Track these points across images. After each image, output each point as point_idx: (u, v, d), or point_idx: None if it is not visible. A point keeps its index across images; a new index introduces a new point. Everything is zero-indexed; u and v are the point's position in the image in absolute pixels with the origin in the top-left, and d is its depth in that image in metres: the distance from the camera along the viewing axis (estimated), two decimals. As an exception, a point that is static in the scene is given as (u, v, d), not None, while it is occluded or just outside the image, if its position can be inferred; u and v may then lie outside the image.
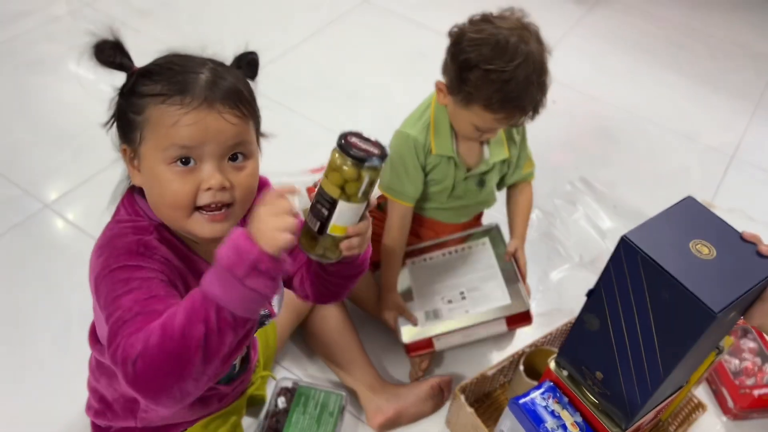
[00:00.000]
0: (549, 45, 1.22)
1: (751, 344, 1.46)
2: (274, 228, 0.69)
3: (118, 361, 0.71)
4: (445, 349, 1.42)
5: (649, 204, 1.86)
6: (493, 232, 1.47)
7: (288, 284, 1.03)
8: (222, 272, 0.69)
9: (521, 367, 1.28)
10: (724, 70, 2.48)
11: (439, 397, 1.35)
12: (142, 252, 0.81)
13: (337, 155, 0.74)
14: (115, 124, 0.88)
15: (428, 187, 1.38)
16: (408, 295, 1.43)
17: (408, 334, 1.37)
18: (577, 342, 1.00)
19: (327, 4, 2.52)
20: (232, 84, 0.83)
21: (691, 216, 0.87)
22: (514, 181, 1.47)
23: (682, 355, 0.82)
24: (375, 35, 2.38)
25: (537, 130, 2.13)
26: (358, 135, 0.76)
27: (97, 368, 1.01)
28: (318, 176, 1.66)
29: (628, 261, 0.83)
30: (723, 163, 2.07)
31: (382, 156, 0.74)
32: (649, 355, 0.86)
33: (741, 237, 0.85)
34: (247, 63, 0.94)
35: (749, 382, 1.38)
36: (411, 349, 1.38)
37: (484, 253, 1.46)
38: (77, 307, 1.43)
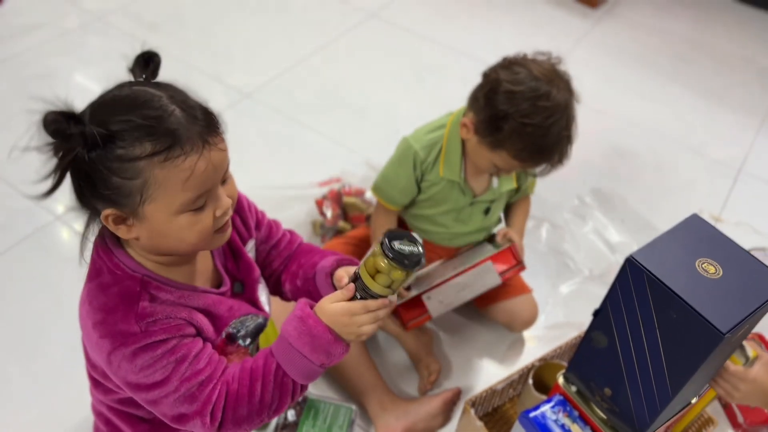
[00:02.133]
0: (577, 93, 1.24)
1: (759, 359, 1.46)
2: (360, 328, 0.84)
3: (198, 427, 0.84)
4: (441, 313, 1.37)
5: (657, 218, 1.88)
6: (491, 238, 1.49)
7: (275, 290, 1.08)
8: (301, 358, 0.84)
9: (530, 381, 1.29)
10: (730, 83, 2.48)
11: (449, 412, 1.35)
12: (145, 330, 0.83)
13: (383, 262, 0.80)
14: (78, 188, 0.81)
15: (431, 208, 1.38)
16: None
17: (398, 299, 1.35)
18: (585, 358, 1.01)
19: (335, 18, 2.54)
20: (202, 107, 0.81)
21: (696, 234, 0.87)
22: (515, 200, 1.50)
23: (690, 374, 0.83)
24: (383, 49, 2.40)
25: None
26: (396, 236, 0.81)
27: (94, 388, 1.01)
28: (325, 189, 1.67)
29: (635, 281, 0.84)
30: (730, 176, 2.08)
31: (421, 252, 0.82)
32: (657, 374, 0.87)
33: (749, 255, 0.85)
34: (155, 67, 0.87)
35: (757, 397, 1.38)
36: (405, 317, 1.35)
37: (481, 246, 1.47)
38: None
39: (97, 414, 1.05)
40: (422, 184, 1.34)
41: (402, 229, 0.98)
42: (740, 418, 1.36)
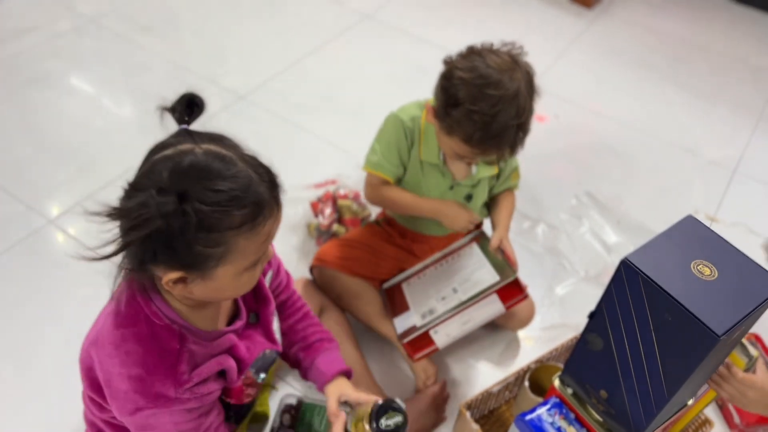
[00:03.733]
0: (539, 88, 1.24)
1: (755, 360, 1.46)
2: None
3: None
4: (447, 344, 1.38)
5: (652, 218, 1.88)
6: (478, 235, 1.49)
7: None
8: None
9: (526, 383, 1.28)
10: (724, 83, 2.49)
11: (440, 406, 1.35)
12: (179, 397, 0.85)
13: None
14: (148, 254, 0.77)
15: (416, 192, 1.40)
16: (403, 305, 1.43)
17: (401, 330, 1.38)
18: (581, 361, 1.00)
19: (330, 19, 2.53)
20: (263, 164, 0.82)
21: (691, 236, 0.87)
22: (498, 192, 1.49)
23: (686, 377, 0.82)
24: (377, 51, 2.39)
25: (539, 144, 2.13)
26: (382, 410, 0.99)
27: (91, 403, 1.00)
28: (321, 192, 1.66)
29: (630, 283, 0.83)
30: (725, 177, 2.08)
31: (404, 421, 0.99)
32: (653, 376, 0.86)
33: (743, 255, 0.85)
34: (198, 111, 0.88)
35: (753, 398, 1.38)
36: (411, 350, 1.36)
37: (473, 253, 1.46)
38: (78, 324, 1.44)
39: (90, 424, 1.05)
40: (410, 154, 1.36)
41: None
42: (736, 419, 1.36)
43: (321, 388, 1.11)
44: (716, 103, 2.38)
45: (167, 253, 0.76)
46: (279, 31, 2.45)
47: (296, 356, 1.14)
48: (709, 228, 0.89)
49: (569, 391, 1.06)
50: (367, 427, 0.98)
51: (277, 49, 2.35)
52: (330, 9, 2.58)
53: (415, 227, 1.49)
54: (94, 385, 0.92)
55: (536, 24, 2.68)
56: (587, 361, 0.98)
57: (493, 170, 1.41)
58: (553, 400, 1.07)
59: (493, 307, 1.34)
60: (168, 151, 0.77)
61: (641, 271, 0.81)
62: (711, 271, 0.82)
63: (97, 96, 2.07)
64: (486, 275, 1.38)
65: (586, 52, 2.56)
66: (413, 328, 1.36)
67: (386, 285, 1.50)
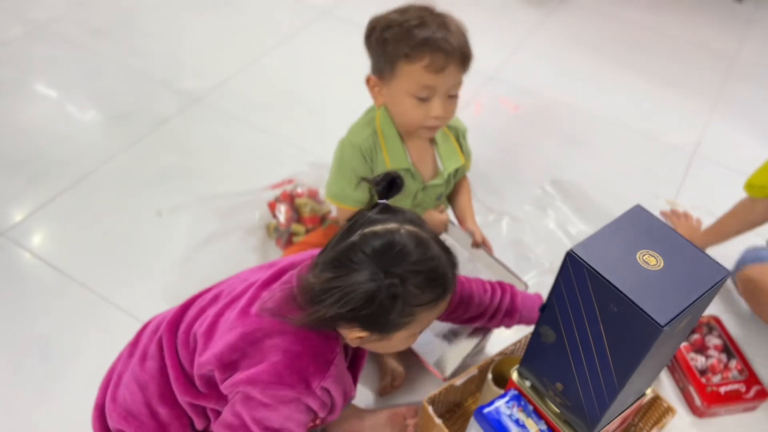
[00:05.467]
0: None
1: (716, 341, 1.48)
2: None
3: None
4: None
5: (614, 205, 1.88)
6: (448, 226, 1.48)
7: None
8: None
9: (489, 376, 1.28)
10: (683, 68, 2.51)
11: (398, 426, 1.30)
12: (313, 391, 0.92)
13: None
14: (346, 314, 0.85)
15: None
16: None
17: (450, 366, 1.35)
18: (536, 354, 1.00)
19: (287, 16, 2.51)
20: (452, 254, 0.92)
21: (639, 226, 0.87)
22: (456, 180, 1.49)
23: (634, 367, 0.82)
24: (337, 47, 2.37)
25: (501, 135, 2.14)
26: None
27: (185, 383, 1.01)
28: (278, 191, 1.64)
29: (576, 275, 0.83)
30: (684, 161, 2.09)
31: None
32: (604, 368, 0.86)
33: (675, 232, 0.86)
34: (397, 190, 0.95)
35: (715, 379, 1.40)
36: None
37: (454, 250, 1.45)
38: (34, 338, 1.41)
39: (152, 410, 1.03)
40: (376, 171, 1.33)
41: None
42: (697, 401, 1.37)
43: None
44: (675, 88, 2.40)
45: (365, 318, 0.85)
46: (235, 30, 2.42)
47: (500, 324, 1.27)
48: (656, 217, 0.89)
49: (527, 383, 1.06)
50: None
51: (234, 49, 2.32)
52: (287, 6, 2.56)
53: None
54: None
55: (495, 15, 2.68)
56: (542, 353, 0.98)
57: (459, 159, 1.40)
58: (512, 392, 1.07)
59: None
60: (377, 228, 0.85)
61: (586, 263, 0.81)
62: (657, 261, 0.82)
63: (50, 104, 2.02)
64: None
65: (545, 41, 2.56)
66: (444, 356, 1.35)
67: None
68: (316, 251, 0.95)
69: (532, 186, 1.94)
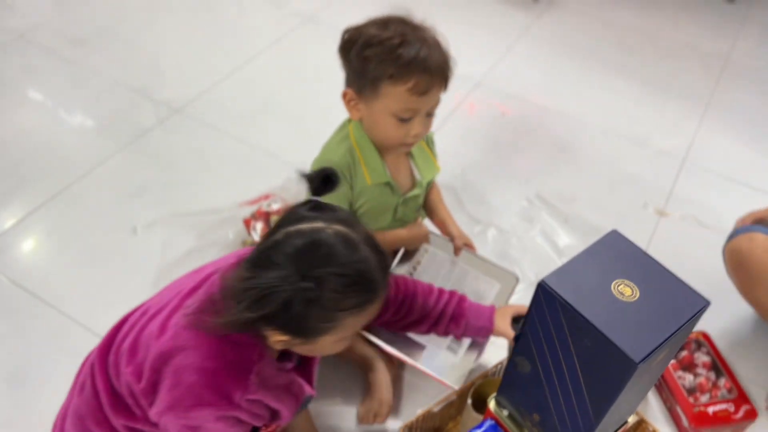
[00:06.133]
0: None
1: (705, 358, 1.44)
2: None
3: None
4: None
5: (602, 215, 1.85)
6: (430, 237, 1.44)
7: None
8: None
9: (469, 401, 1.24)
10: (673, 71, 2.47)
11: None
12: (237, 404, 0.89)
13: None
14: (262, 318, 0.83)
15: (373, 221, 1.34)
16: (413, 344, 1.32)
17: (453, 376, 1.28)
18: (512, 383, 0.96)
19: (270, 24, 2.46)
20: (386, 258, 0.89)
21: (614, 253, 0.83)
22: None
23: (611, 402, 0.78)
24: (320, 55, 2.32)
25: (487, 142, 2.10)
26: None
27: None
28: (254, 208, 1.60)
29: (549, 307, 0.79)
30: (674, 167, 2.05)
31: None
32: (580, 402, 0.83)
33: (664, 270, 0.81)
34: (332, 186, 0.95)
35: (703, 399, 1.36)
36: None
37: (436, 259, 1.42)
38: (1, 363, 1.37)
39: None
40: (355, 191, 1.29)
41: None
42: (685, 422, 1.33)
43: (488, 335, 1.24)
44: (665, 92, 2.36)
45: (282, 322, 0.82)
46: (216, 38, 2.37)
47: (447, 331, 1.24)
48: (632, 243, 0.85)
49: (505, 413, 1.02)
50: None
51: (215, 57, 2.28)
52: (269, 13, 2.51)
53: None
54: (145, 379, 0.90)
55: (482, 19, 2.63)
56: (518, 383, 0.94)
57: (436, 168, 1.38)
58: (489, 422, 1.03)
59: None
60: (303, 226, 0.81)
61: (558, 294, 0.77)
62: (632, 291, 0.78)
63: (27, 115, 1.98)
64: (482, 285, 1.36)
65: (533, 45, 2.52)
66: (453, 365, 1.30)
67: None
68: (243, 251, 0.92)
69: (519, 196, 1.89)
